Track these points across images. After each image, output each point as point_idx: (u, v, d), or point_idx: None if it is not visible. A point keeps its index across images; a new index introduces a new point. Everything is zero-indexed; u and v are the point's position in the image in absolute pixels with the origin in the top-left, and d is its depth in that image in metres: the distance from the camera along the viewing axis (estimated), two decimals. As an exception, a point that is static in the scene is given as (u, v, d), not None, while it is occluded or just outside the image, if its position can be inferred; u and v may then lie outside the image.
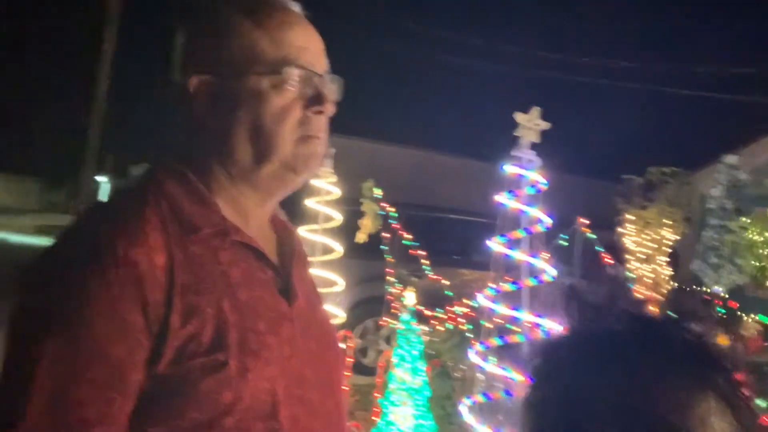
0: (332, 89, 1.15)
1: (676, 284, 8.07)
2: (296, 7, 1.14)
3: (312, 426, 1.07)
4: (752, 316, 6.23)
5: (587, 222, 5.32)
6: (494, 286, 3.78)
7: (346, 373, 6.71)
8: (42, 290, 0.97)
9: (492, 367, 3.54)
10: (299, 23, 1.13)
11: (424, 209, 8.97)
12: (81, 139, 15.01)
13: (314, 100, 1.11)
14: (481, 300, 3.67)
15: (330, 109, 1.13)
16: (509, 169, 3.69)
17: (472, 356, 3.67)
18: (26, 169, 45.97)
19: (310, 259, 5.68)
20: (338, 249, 6.23)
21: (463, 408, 3.64)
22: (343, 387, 1.21)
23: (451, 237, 8.93)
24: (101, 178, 29.76)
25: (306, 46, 1.12)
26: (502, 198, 3.68)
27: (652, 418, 0.62)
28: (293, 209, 7.53)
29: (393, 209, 6.86)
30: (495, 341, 3.67)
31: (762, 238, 6.03)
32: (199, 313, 0.99)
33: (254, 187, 1.12)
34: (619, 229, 7.89)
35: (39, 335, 0.92)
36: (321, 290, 5.33)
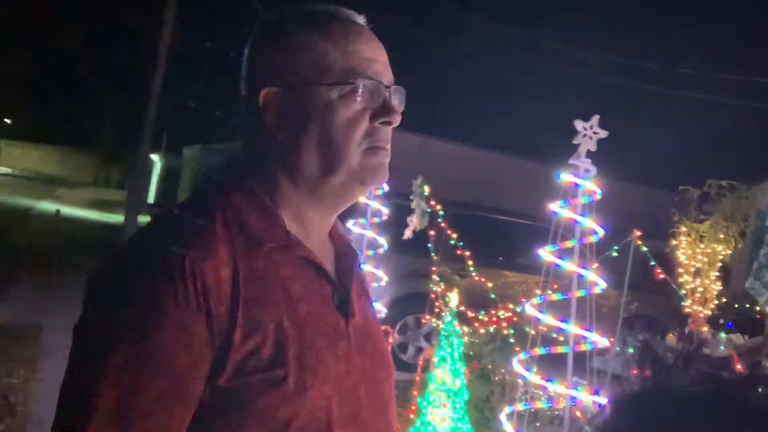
0: (398, 100, 1.14)
1: (725, 300, 7.85)
2: (361, 20, 1.15)
3: None
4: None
5: (641, 234, 5.21)
6: (541, 294, 3.73)
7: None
8: (110, 300, 0.97)
9: (534, 376, 3.50)
10: (366, 35, 1.13)
11: (472, 208, 8.92)
12: (138, 119, 15.38)
13: (382, 111, 1.10)
14: (528, 309, 3.62)
15: (397, 119, 1.12)
16: (565, 177, 3.62)
17: (515, 364, 3.62)
18: (83, 144, 47.43)
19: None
20: (384, 244, 6.24)
21: (503, 415, 3.60)
22: (393, 404, 1.20)
23: (498, 238, 8.84)
24: (155, 156, 30.43)
25: (373, 57, 1.11)
26: (556, 206, 3.61)
27: None
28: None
29: (440, 207, 6.82)
30: (539, 350, 3.62)
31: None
32: (261, 328, 0.99)
33: (320, 200, 1.12)
34: (673, 241, 7.71)
35: (106, 345, 0.93)
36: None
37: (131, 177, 17.22)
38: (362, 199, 6.26)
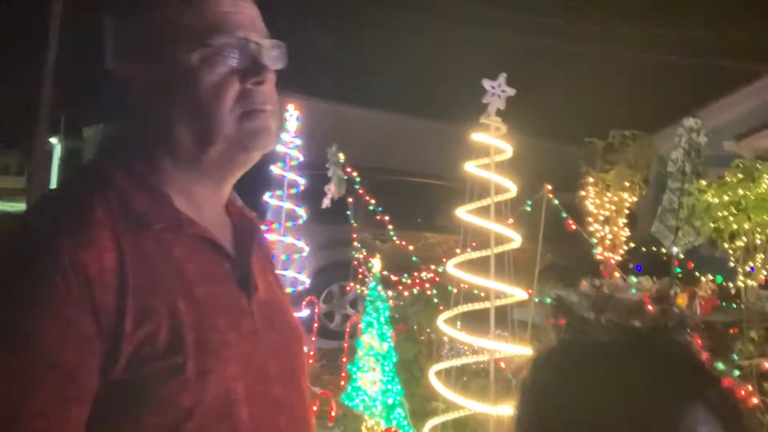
0: (272, 56, 1.05)
1: (633, 245, 8.23)
2: None
3: (277, 421, 1.02)
4: (708, 276, 6.41)
5: (551, 187, 5.37)
6: (461, 252, 3.80)
7: (312, 338, 6.75)
8: None
9: (459, 333, 3.58)
10: None
11: (388, 173, 8.97)
12: (33, 102, 14.55)
13: (252, 70, 1.02)
14: (449, 268, 3.68)
15: (268, 78, 1.04)
16: (476, 137, 3.68)
17: (440, 323, 3.70)
18: (-23, 132, 44.65)
19: (276, 226, 5.58)
20: (303, 214, 6.21)
21: (431, 373, 3.68)
22: (306, 377, 1.15)
23: (416, 200, 8.95)
24: (54, 140, 28.97)
25: (235, 10, 1.02)
26: (470, 166, 3.67)
27: (640, 429, 0.61)
28: (258, 176, 7.46)
29: (357, 174, 6.83)
30: (462, 308, 3.70)
31: (719, 200, 6.18)
32: (154, 314, 0.93)
33: (205, 174, 1.05)
34: (581, 192, 7.99)
35: None
36: (287, 257, 5.23)
37: (30, 163, 16.40)
38: (278, 171, 6.18)
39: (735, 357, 3.41)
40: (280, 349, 1.08)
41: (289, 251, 6.33)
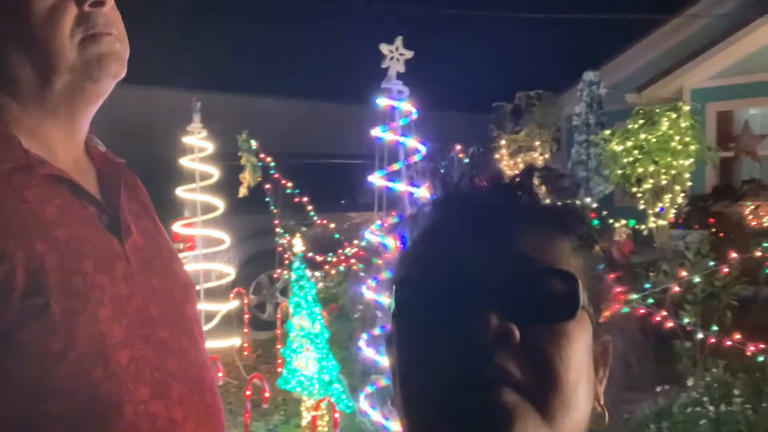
0: None
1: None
2: None
3: (165, 364, 0.99)
4: (622, 221, 6.67)
5: (461, 147, 5.45)
6: (380, 221, 3.81)
7: (244, 330, 6.66)
8: None
9: (386, 299, 3.59)
10: None
11: (302, 157, 8.88)
12: None
13: None
14: (369, 236, 3.69)
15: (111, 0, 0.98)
16: (381, 101, 3.68)
17: (365, 291, 3.70)
18: None
19: (193, 219, 5.46)
20: (219, 206, 6.09)
21: (362, 343, 3.69)
22: (199, 325, 1.14)
23: (334, 182, 8.90)
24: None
25: None
26: (377, 132, 3.68)
27: (512, 254, 0.63)
28: (169, 172, 7.25)
29: (271, 159, 6.74)
30: (386, 274, 3.71)
31: (623, 147, 6.42)
32: (7, 257, 0.88)
33: (53, 111, 0.99)
34: (495, 156, 8.15)
35: None
36: (210, 249, 5.11)
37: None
38: (189, 163, 6.02)
39: (647, 285, 3.56)
40: (164, 294, 1.04)
41: (211, 244, 6.21)
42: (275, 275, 7.69)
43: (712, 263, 3.67)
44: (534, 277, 0.62)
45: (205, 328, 5.68)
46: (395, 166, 3.72)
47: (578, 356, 0.62)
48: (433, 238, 0.68)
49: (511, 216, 0.66)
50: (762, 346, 3.33)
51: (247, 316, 6.83)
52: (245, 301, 6.79)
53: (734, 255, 3.52)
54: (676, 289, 3.62)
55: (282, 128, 11.18)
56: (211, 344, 5.66)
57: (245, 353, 6.60)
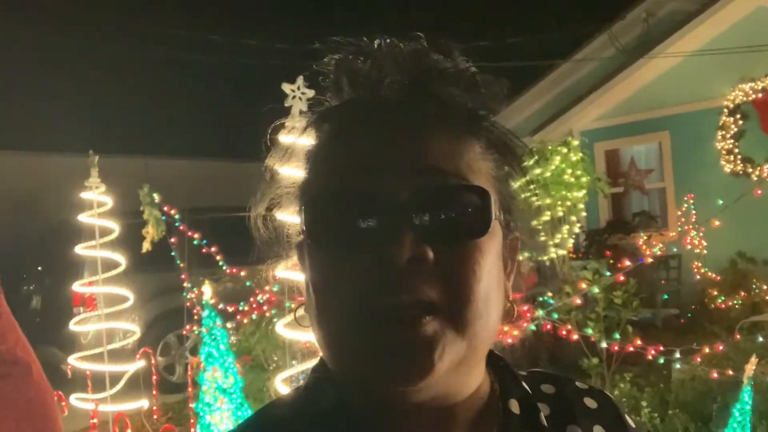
0: None
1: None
2: None
3: None
4: (525, 254, 6.88)
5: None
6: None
7: (153, 392, 6.37)
8: None
9: (299, 333, 3.55)
10: None
11: (207, 211, 8.73)
12: None
13: None
14: (280, 273, 3.64)
15: None
16: (284, 139, 3.69)
17: (280, 328, 3.65)
18: None
19: (93, 278, 5.21)
20: (121, 262, 5.87)
21: (277, 381, 3.61)
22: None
23: (241, 235, 8.73)
24: None
25: None
26: (281, 169, 3.68)
27: (423, 167, 0.62)
28: (66, 233, 6.95)
29: (176, 212, 6.59)
30: (300, 311, 3.67)
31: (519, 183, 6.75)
32: None
33: None
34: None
35: None
36: (112, 309, 4.87)
37: None
38: (87, 219, 5.81)
39: (551, 302, 3.69)
40: None
41: (113, 303, 5.96)
42: (184, 332, 7.43)
43: (608, 273, 3.86)
44: (446, 192, 0.61)
45: (111, 390, 5.40)
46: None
47: (489, 266, 0.63)
48: (339, 147, 0.66)
49: (421, 118, 0.64)
50: (661, 348, 3.50)
51: (155, 377, 6.54)
52: (152, 362, 6.51)
53: (627, 263, 3.71)
54: (578, 301, 3.78)
55: (184, 186, 11.00)
56: (117, 407, 5.37)
57: (155, 416, 6.30)
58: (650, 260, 8.49)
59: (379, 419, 0.65)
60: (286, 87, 3.81)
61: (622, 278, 3.76)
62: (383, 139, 0.63)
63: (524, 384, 0.73)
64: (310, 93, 3.87)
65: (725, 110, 9.15)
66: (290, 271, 3.63)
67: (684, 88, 9.54)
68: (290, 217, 0.82)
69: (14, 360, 1.06)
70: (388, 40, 0.68)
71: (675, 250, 7.84)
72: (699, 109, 9.42)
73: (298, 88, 3.81)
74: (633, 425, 0.76)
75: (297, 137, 0.76)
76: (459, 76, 0.67)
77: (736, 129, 9.12)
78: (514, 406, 0.69)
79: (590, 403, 0.75)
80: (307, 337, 3.80)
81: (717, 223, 8.17)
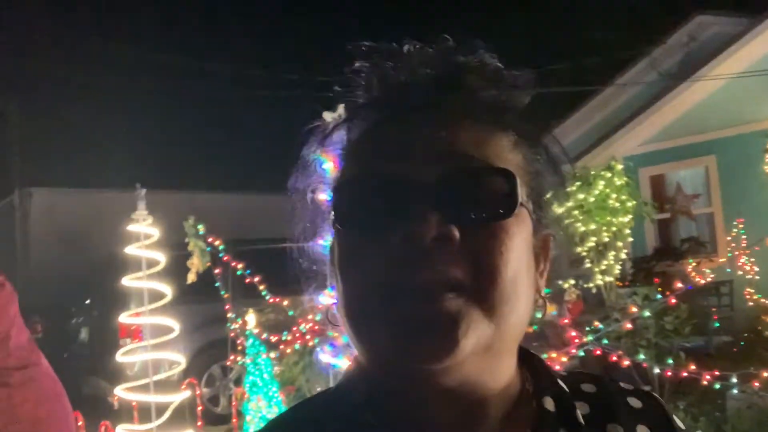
0: None
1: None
2: None
3: None
4: (570, 281, 6.77)
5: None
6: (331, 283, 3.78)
7: (198, 423, 6.40)
8: None
9: (345, 361, 3.53)
10: None
11: (251, 243, 8.81)
12: None
13: None
14: (323, 299, 3.64)
15: None
16: (328, 165, 3.73)
17: (322, 356, 3.63)
18: None
19: (139, 309, 5.27)
20: (167, 293, 5.95)
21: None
22: None
23: (285, 266, 8.79)
24: None
25: None
26: (324, 195, 3.70)
27: (449, 151, 0.63)
28: (114, 261, 7.08)
29: (220, 242, 6.68)
30: (343, 339, 3.67)
31: (563, 209, 6.65)
32: None
33: None
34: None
35: None
36: (158, 339, 4.92)
37: None
38: (134, 251, 5.91)
39: (601, 327, 3.61)
40: None
41: (159, 333, 6.03)
42: (228, 363, 7.46)
43: (659, 296, 3.75)
44: (472, 174, 0.63)
45: (157, 421, 5.44)
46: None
47: (517, 251, 0.63)
48: (370, 137, 0.68)
49: (450, 110, 0.66)
50: (717, 373, 3.38)
51: (200, 408, 6.58)
52: (197, 392, 6.55)
53: (679, 284, 3.61)
54: (628, 326, 3.68)
55: (228, 220, 11.16)
56: (163, 437, 5.40)
57: (199, 448, 6.32)
58: (701, 285, 8.29)
59: (408, 412, 0.65)
60: (327, 115, 3.84)
61: (673, 301, 3.66)
62: (413, 129, 0.65)
63: (561, 383, 0.71)
64: (351, 121, 3.93)
65: (773, 132, 8.94)
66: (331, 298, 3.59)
67: (729, 111, 9.36)
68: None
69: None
70: (417, 45, 0.70)
71: (729, 272, 7.62)
72: (745, 132, 9.22)
73: (339, 117, 3.85)
74: (682, 427, 0.73)
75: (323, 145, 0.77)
76: (485, 70, 0.68)
77: (785, 151, 8.89)
78: (549, 404, 0.68)
79: (634, 402, 0.73)
80: (345, 363, 3.78)
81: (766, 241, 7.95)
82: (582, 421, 0.68)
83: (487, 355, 0.62)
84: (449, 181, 0.61)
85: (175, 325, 5.99)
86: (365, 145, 0.68)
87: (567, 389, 0.71)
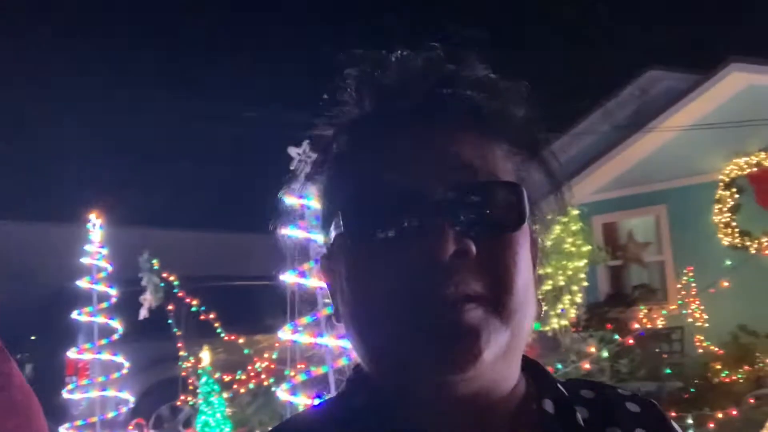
0: None
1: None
2: None
3: None
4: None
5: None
6: (291, 320, 3.74)
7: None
8: None
9: (302, 398, 3.47)
10: None
11: (209, 279, 8.66)
12: None
13: None
14: (283, 334, 3.60)
15: None
16: (290, 200, 3.71)
17: (281, 394, 3.57)
18: None
19: (87, 345, 5.14)
20: (118, 328, 5.80)
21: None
22: None
23: (241, 304, 8.67)
24: None
25: None
26: (287, 231, 3.68)
27: (458, 164, 0.65)
28: (64, 295, 6.87)
29: (175, 278, 6.56)
30: (301, 377, 3.61)
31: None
32: None
33: None
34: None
35: None
36: (106, 378, 4.78)
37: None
38: (85, 285, 5.76)
39: (559, 366, 3.62)
40: None
41: (107, 370, 5.84)
42: (178, 403, 7.24)
43: (616, 336, 3.79)
44: (482, 188, 0.64)
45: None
46: (306, 265, 3.71)
47: (525, 260, 0.66)
48: (370, 147, 0.68)
49: (447, 121, 0.66)
50: (673, 414, 3.41)
51: (148, 450, 6.36)
52: (145, 433, 6.33)
53: (636, 325, 3.66)
54: (587, 366, 3.70)
55: (185, 257, 10.97)
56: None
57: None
58: (653, 331, 8.43)
59: (417, 420, 0.65)
60: (293, 150, 3.85)
61: (631, 341, 3.71)
62: (415, 140, 0.66)
63: (561, 387, 0.72)
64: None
65: (721, 184, 9.25)
66: (297, 336, 3.54)
67: (679, 163, 9.67)
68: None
69: None
70: (406, 53, 0.71)
71: (684, 313, 7.76)
72: (695, 183, 9.53)
73: (304, 152, 3.85)
74: (679, 431, 0.75)
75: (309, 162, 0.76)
76: (478, 80, 0.69)
77: (732, 202, 9.19)
78: (549, 406, 0.69)
79: (633, 407, 0.74)
80: (308, 401, 3.71)
81: (712, 290, 8.18)
82: (582, 423, 0.69)
83: (502, 362, 0.64)
84: (462, 196, 0.63)
85: (124, 362, 5.82)
86: (366, 156, 0.67)
87: (566, 394, 0.71)
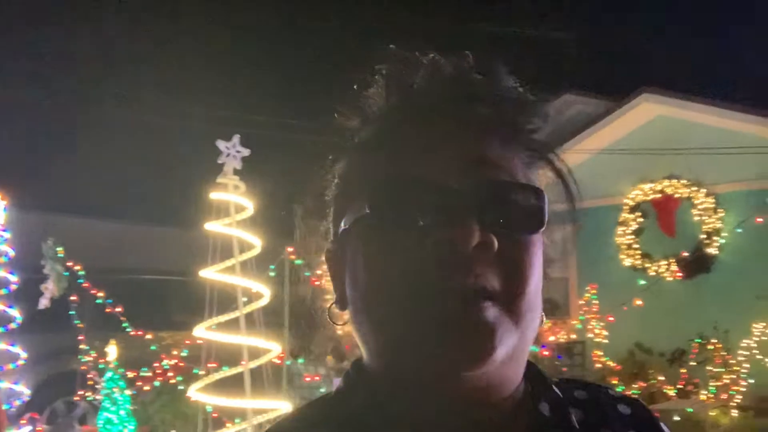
0: None
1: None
2: None
3: None
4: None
5: (292, 250, 5.47)
6: (208, 316, 3.67)
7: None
8: None
9: (215, 398, 3.40)
10: None
11: (115, 272, 8.34)
12: None
13: None
14: (198, 332, 3.52)
15: None
16: (215, 196, 3.65)
17: (193, 393, 3.48)
18: None
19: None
20: (17, 316, 5.50)
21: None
22: None
23: (148, 299, 8.40)
24: None
25: None
26: (212, 225, 3.61)
27: (483, 161, 0.66)
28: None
29: (81, 268, 6.28)
30: (214, 376, 3.54)
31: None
32: None
33: None
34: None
35: None
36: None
37: None
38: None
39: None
40: None
41: (2, 360, 5.53)
42: (76, 398, 6.93)
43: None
44: (509, 188, 0.66)
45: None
46: (228, 262, 3.65)
47: (539, 264, 0.67)
48: (400, 140, 0.68)
49: (474, 119, 0.68)
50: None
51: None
52: (37, 429, 6.02)
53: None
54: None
55: (91, 246, 10.53)
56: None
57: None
58: (554, 343, 8.75)
59: (417, 418, 0.65)
60: (221, 144, 3.78)
61: (546, 353, 3.82)
62: (444, 135, 0.67)
63: (556, 389, 0.74)
64: (246, 152, 3.86)
65: (626, 207, 9.71)
66: (212, 333, 3.48)
67: (588, 185, 9.72)
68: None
69: None
70: (436, 56, 0.72)
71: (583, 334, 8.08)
72: (601, 204, 9.95)
73: (233, 146, 3.79)
74: (667, 430, 0.78)
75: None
76: (505, 90, 0.71)
77: (636, 225, 9.66)
78: (545, 409, 0.71)
79: (624, 409, 0.77)
80: (222, 402, 3.63)
81: (611, 319, 8.59)
82: (576, 425, 0.71)
83: (508, 363, 0.65)
84: (488, 192, 0.64)
85: (21, 352, 5.54)
86: (396, 145, 0.68)
87: (561, 395, 0.74)
